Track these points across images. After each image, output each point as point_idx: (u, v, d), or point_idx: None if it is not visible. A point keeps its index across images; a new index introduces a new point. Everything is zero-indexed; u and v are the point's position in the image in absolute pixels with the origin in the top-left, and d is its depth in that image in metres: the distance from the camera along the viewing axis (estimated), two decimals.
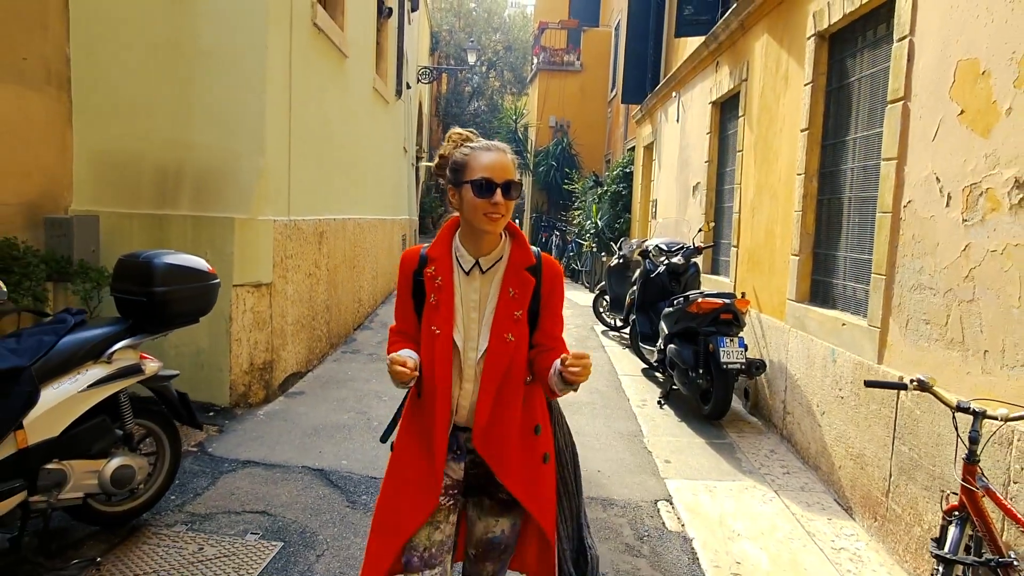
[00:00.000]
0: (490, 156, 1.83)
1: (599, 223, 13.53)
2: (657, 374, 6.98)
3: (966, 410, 2.39)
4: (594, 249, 13.70)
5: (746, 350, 5.39)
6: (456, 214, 1.93)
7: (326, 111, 6.65)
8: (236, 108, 4.96)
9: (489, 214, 1.79)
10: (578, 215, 15.21)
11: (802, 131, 5.05)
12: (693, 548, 3.62)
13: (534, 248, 1.96)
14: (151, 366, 3.24)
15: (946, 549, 2.38)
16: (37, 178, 4.67)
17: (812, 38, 4.93)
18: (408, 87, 12.62)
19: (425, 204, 21.91)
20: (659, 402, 6.14)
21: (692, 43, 8.40)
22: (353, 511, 3.70)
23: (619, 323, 9.08)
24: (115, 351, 3.06)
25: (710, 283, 7.18)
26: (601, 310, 9.65)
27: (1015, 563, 2.27)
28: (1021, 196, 2.78)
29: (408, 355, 1.83)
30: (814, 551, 3.64)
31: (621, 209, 13.55)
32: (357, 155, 8.18)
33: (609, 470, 4.60)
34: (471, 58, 20.04)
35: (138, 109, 4.96)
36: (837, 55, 4.79)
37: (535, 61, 20.09)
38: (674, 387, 6.12)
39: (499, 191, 1.79)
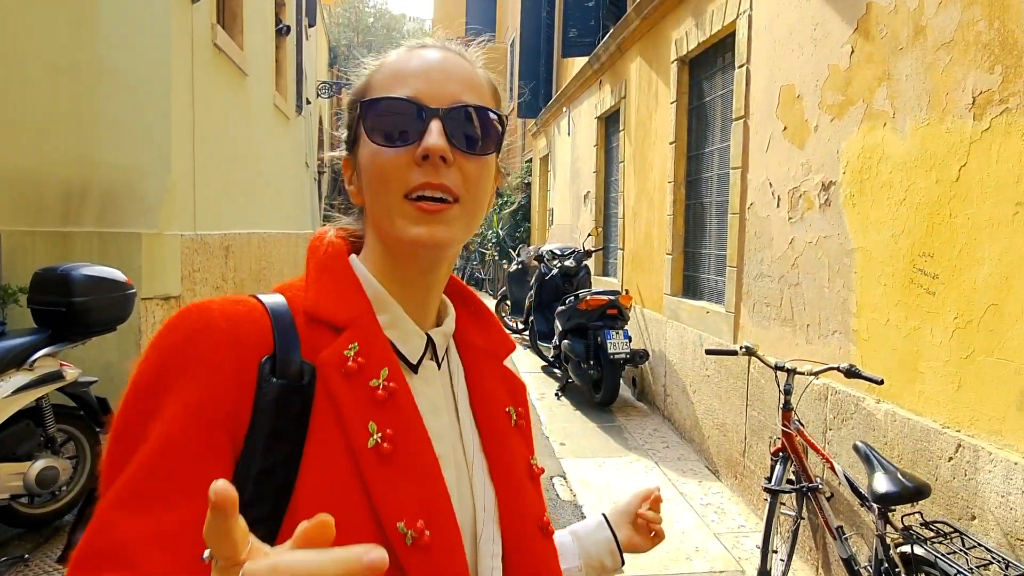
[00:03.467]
0: (417, 55, 0.76)
1: (500, 232, 14.06)
2: (555, 370, 7.50)
3: (782, 368, 2.97)
4: (496, 257, 14.22)
5: (630, 341, 5.98)
6: (344, 224, 0.84)
7: (229, 128, 6.82)
8: (142, 127, 5.12)
9: (415, 196, 0.71)
10: (480, 225, 15.71)
11: (670, 144, 5.69)
12: (583, 513, 4.10)
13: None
14: (71, 372, 3.43)
15: (772, 482, 2.94)
16: None
17: (675, 62, 5.58)
18: (308, 103, 12.76)
19: (327, 219, 21.83)
20: (556, 394, 6.65)
21: (579, 62, 9.04)
22: None
23: (520, 325, 9.58)
24: (37, 359, 3.24)
25: (601, 283, 7.78)
26: (503, 314, 10.13)
27: (820, 487, 2.85)
28: (827, 197, 3.42)
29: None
30: (685, 508, 4.20)
31: (521, 219, 14.15)
32: (260, 170, 8.34)
33: None
34: None
35: (39, 128, 5.03)
36: (696, 77, 5.45)
37: None
38: (570, 380, 6.64)
39: (436, 126, 0.70)
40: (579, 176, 9.40)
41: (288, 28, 9.88)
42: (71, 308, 3.32)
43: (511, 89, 18.51)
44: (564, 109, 10.14)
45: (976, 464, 2.40)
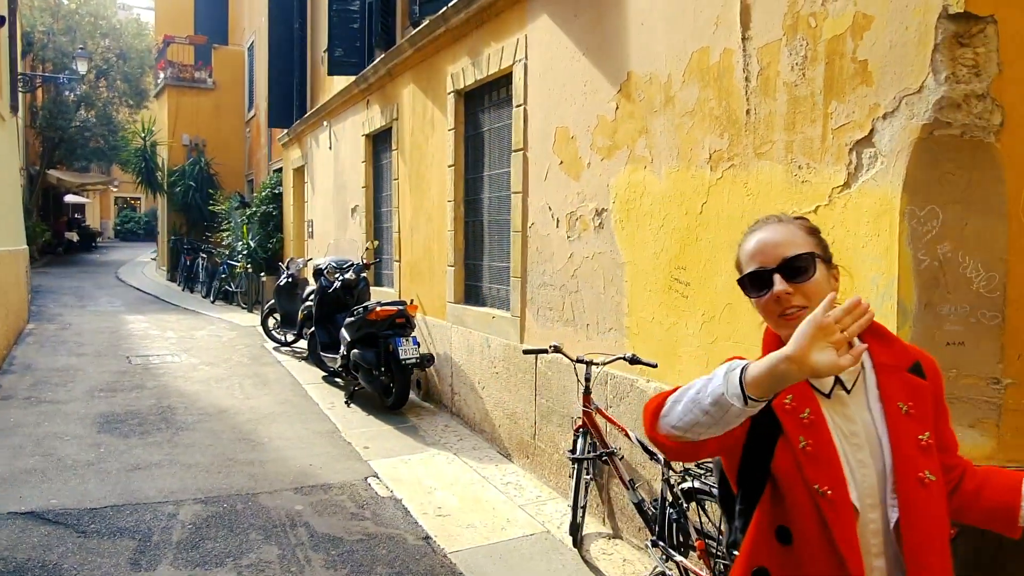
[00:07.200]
0: (753, 239, 1.38)
1: (251, 244, 13.62)
2: (338, 379, 7.73)
3: (581, 361, 3.72)
4: (248, 270, 13.74)
5: (419, 347, 6.49)
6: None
7: None
8: None
9: (781, 315, 1.31)
10: (227, 236, 15.01)
11: (449, 167, 6.31)
12: (404, 506, 4.53)
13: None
14: None
15: (577, 452, 3.67)
16: None
17: (452, 94, 6.21)
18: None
19: (28, 230, 19.01)
20: (346, 402, 6.91)
21: (342, 79, 9.27)
22: (88, 539, 3.81)
23: (291, 338, 9.57)
24: None
25: (377, 294, 8.16)
26: (271, 328, 10.00)
27: (615, 451, 3.65)
28: (600, 221, 4.26)
29: None
30: (489, 488, 4.83)
31: (273, 229, 13.83)
32: None
33: (319, 463, 5.26)
34: (81, 67, 18.14)
35: None
36: (472, 109, 6.13)
37: (161, 76, 19.02)
38: (358, 387, 6.95)
39: (777, 278, 1.30)
40: (345, 189, 9.65)
41: (3, 19, 8.73)
42: None
43: (251, 94, 17.88)
44: (325, 123, 10.27)
45: None
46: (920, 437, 1.30)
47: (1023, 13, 2.42)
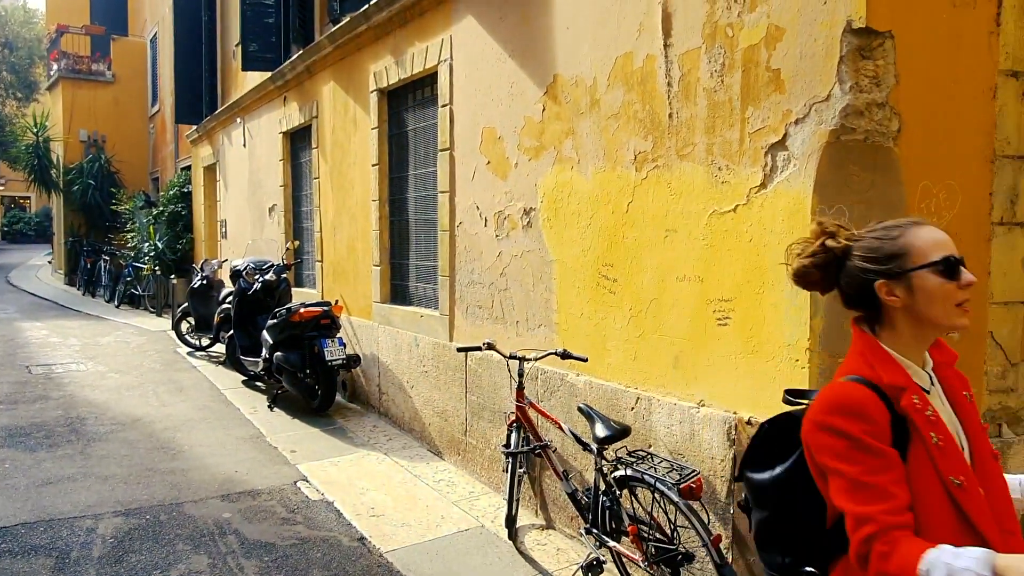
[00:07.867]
0: (926, 232, 1.47)
1: (159, 245, 13.05)
2: (259, 383, 7.54)
3: (514, 357, 3.80)
4: (156, 272, 13.16)
5: (345, 348, 6.42)
6: (862, 328, 1.53)
7: None
8: None
9: (963, 304, 1.44)
10: (132, 237, 14.32)
11: (373, 166, 6.26)
12: (336, 508, 4.49)
13: None
14: None
15: (511, 447, 3.75)
16: None
17: (375, 92, 6.16)
18: None
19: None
20: (269, 406, 6.76)
21: (256, 74, 9.01)
22: (20, 558, 3.62)
23: (206, 342, 9.26)
24: None
25: (299, 295, 8.00)
26: (184, 332, 9.63)
27: (548, 444, 3.74)
28: (528, 220, 4.35)
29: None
30: (422, 486, 4.85)
31: (182, 229, 13.31)
32: None
33: (245, 468, 5.14)
34: None
35: None
36: (396, 108, 6.11)
37: (54, 67, 17.90)
38: (281, 391, 6.80)
39: (964, 268, 1.44)
40: (261, 188, 9.40)
41: None
42: None
43: (154, 88, 17.09)
44: (238, 120, 9.96)
45: (650, 409, 3.47)
46: (980, 420, 1.53)
47: (917, 29, 2.66)
